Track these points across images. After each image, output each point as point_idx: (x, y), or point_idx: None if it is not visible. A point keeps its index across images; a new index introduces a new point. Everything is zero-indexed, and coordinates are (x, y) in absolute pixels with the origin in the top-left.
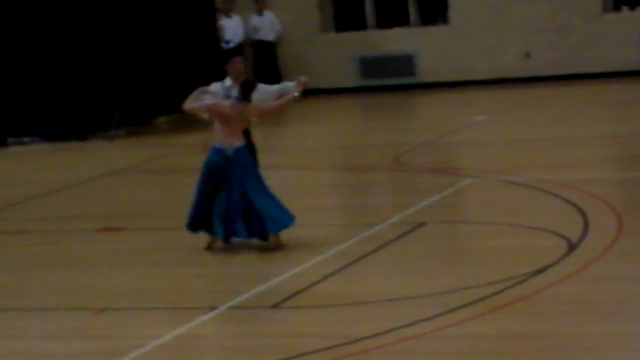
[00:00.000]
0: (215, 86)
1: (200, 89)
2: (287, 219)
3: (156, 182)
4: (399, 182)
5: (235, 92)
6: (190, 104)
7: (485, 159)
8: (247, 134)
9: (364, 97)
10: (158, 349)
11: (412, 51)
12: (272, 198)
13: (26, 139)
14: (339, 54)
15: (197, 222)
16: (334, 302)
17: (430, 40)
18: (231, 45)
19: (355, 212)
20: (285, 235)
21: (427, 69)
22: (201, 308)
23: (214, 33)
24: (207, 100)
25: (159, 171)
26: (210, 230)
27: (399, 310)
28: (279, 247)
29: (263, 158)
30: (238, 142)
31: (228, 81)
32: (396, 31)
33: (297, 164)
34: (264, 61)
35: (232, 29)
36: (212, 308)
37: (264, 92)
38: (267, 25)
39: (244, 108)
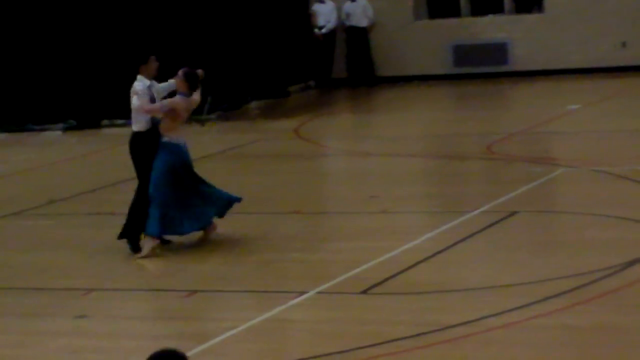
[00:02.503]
0: (140, 86)
1: (139, 89)
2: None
3: (247, 167)
4: (491, 171)
5: (154, 90)
6: (148, 105)
7: (578, 149)
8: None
9: (457, 85)
10: (247, 332)
11: (506, 39)
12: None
13: (120, 121)
14: (432, 41)
15: (169, 224)
16: (424, 289)
17: (525, 28)
18: (324, 31)
19: (446, 200)
20: (375, 222)
21: (521, 57)
22: (290, 292)
23: (307, 19)
24: (138, 100)
25: (250, 156)
26: (178, 231)
27: (488, 299)
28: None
29: (355, 145)
30: (184, 138)
31: (144, 80)
32: (490, 19)
33: (389, 151)
34: (356, 47)
35: (325, 15)
36: (302, 293)
37: (161, 88)
38: (359, 12)
39: (189, 103)
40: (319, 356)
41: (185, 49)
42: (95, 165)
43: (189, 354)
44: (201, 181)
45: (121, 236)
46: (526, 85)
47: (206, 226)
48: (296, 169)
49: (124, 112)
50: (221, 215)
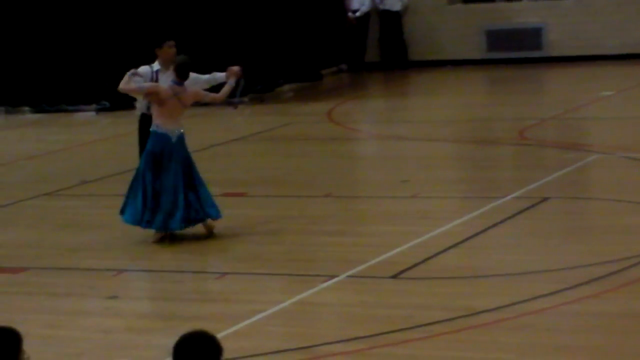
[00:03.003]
0: (144, 69)
1: (132, 70)
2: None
3: (279, 150)
4: (523, 156)
5: (164, 77)
6: (126, 84)
7: (611, 136)
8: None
9: (490, 69)
10: (278, 315)
11: (541, 24)
12: (207, 189)
13: None
14: (466, 26)
15: (148, 215)
16: (454, 274)
17: (559, 13)
18: (358, 14)
19: (478, 185)
20: (407, 206)
21: (555, 42)
22: (321, 276)
23: (341, 2)
24: (137, 82)
25: (282, 139)
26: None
27: (519, 285)
28: (211, 234)
29: (387, 129)
30: (180, 128)
31: (156, 65)
32: (525, 4)
33: (421, 135)
34: (389, 31)
35: None
36: (332, 276)
37: (193, 79)
38: None
39: (182, 92)
40: (349, 340)
41: (219, 33)
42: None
43: (218, 335)
44: (184, 183)
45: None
46: (560, 70)
47: (168, 231)
48: (328, 152)
49: None
50: (180, 228)
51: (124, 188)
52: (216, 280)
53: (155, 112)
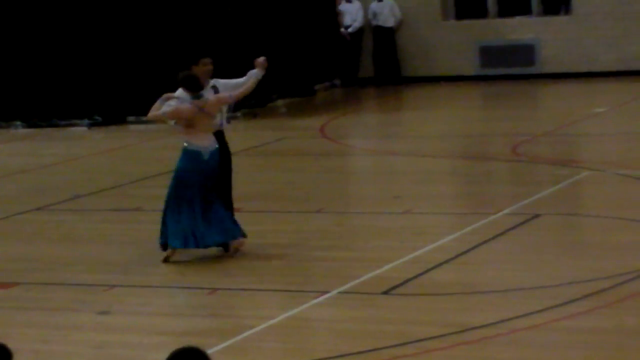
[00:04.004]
0: (180, 91)
1: (165, 95)
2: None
3: (272, 165)
4: (516, 172)
5: (206, 93)
6: (153, 111)
7: (604, 152)
8: (221, 137)
9: (483, 85)
10: (269, 331)
11: (534, 41)
12: (230, 209)
13: (145, 118)
14: (459, 42)
15: (187, 234)
16: (447, 290)
17: (553, 29)
18: (351, 30)
19: (470, 200)
20: (399, 222)
21: (548, 59)
22: (313, 292)
23: (334, 18)
24: (171, 105)
25: (275, 154)
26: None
27: (512, 301)
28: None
29: (380, 144)
30: (213, 145)
31: None
32: (518, 20)
33: (414, 150)
34: (383, 47)
35: (351, 14)
36: (324, 292)
37: (223, 85)
38: (386, 11)
39: (204, 104)
40: (341, 356)
41: (212, 47)
42: (121, 161)
43: (210, 351)
44: (214, 200)
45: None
46: (553, 86)
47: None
48: (321, 167)
49: (149, 108)
50: (208, 246)
51: (117, 202)
52: (208, 295)
53: (186, 131)
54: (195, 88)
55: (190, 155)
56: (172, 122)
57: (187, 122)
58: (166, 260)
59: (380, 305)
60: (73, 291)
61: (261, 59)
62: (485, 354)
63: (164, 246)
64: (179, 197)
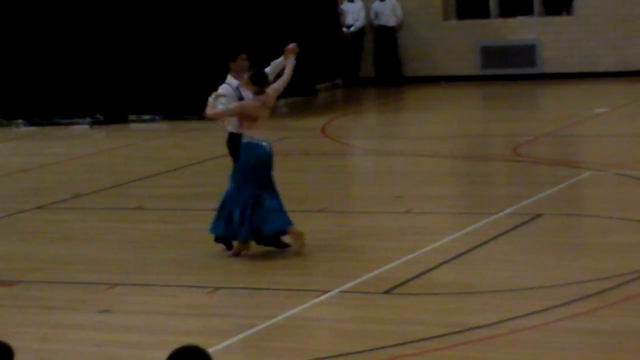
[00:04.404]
0: (225, 88)
1: (215, 93)
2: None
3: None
4: (517, 172)
5: (244, 91)
6: (213, 109)
7: (605, 153)
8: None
9: (484, 86)
10: (269, 330)
11: (535, 41)
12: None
13: (147, 117)
14: (461, 42)
15: (254, 227)
16: (447, 290)
17: (554, 30)
18: (352, 30)
19: (471, 201)
20: (400, 222)
21: (549, 59)
22: (314, 291)
23: (336, 17)
24: (222, 104)
25: (277, 153)
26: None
27: (512, 302)
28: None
29: (381, 144)
30: (268, 139)
31: (232, 80)
32: (519, 20)
33: (415, 151)
34: (384, 47)
35: (353, 13)
36: (325, 291)
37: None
38: (388, 11)
39: (266, 99)
40: (341, 355)
41: (213, 45)
42: (122, 159)
43: (211, 350)
44: (271, 193)
45: (218, 239)
46: (554, 87)
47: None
48: (322, 167)
49: (150, 107)
50: (258, 242)
51: (117, 201)
52: (209, 294)
53: (247, 125)
54: (263, 84)
55: (254, 149)
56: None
57: (252, 118)
58: (237, 254)
59: (380, 305)
60: (73, 290)
61: (292, 46)
62: (485, 355)
63: (223, 239)
64: (245, 191)
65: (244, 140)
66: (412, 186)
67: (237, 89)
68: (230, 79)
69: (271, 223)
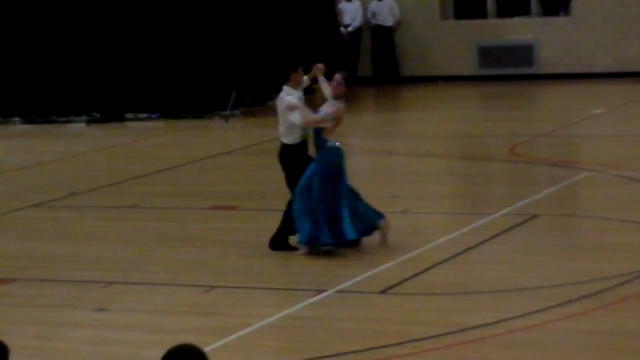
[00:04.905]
0: (295, 98)
1: (288, 104)
2: None
3: (270, 164)
4: (514, 172)
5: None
6: (313, 116)
7: (602, 153)
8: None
9: (482, 86)
10: (265, 329)
11: (532, 41)
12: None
13: (144, 115)
14: (458, 42)
15: (334, 230)
16: (443, 290)
17: (551, 30)
18: (349, 29)
19: (468, 201)
20: (397, 221)
21: (547, 59)
22: (309, 290)
23: (333, 17)
24: (316, 113)
25: (274, 152)
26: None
27: (509, 302)
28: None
29: (378, 143)
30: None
31: (291, 90)
32: (517, 21)
33: (412, 150)
34: (381, 46)
35: (351, 13)
36: (321, 291)
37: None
38: (386, 11)
39: (342, 105)
40: (338, 354)
41: (211, 44)
42: (119, 158)
43: (207, 349)
44: (351, 192)
45: (274, 247)
46: (551, 87)
47: (341, 244)
48: None
49: (147, 105)
50: (357, 240)
51: (114, 200)
52: (205, 293)
53: (331, 131)
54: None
55: (334, 152)
56: (329, 124)
57: (338, 122)
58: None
59: (376, 304)
60: (70, 288)
61: (321, 65)
62: (481, 355)
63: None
64: (325, 193)
65: (329, 144)
66: (409, 186)
67: (300, 99)
68: (289, 89)
69: (332, 235)
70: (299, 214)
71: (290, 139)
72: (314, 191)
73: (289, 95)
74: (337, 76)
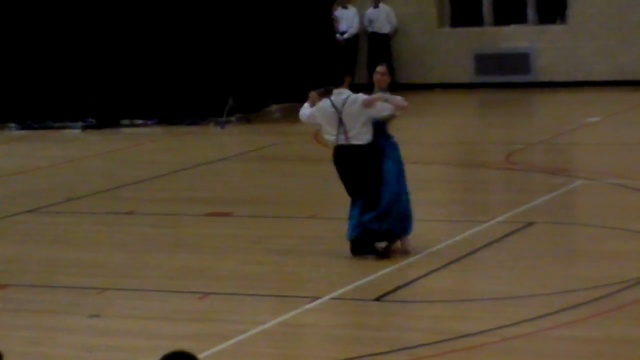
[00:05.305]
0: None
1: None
2: None
3: (266, 170)
4: (510, 180)
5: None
6: (398, 102)
7: (598, 161)
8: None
9: (478, 93)
10: (260, 336)
11: (529, 49)
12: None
13: (139, 121)
14: (455, 49)
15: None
16: (439, 297)
17: (548, 38)
18: (346, 36)
19: (464, 208)
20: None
21: (543, 67)
22: (304, 297)
23: (330, 23)
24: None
25: (269, 159)
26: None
27: (504, 309)
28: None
29: None
30: None
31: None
32: (513, 28)
33: (408, 157)
34: (378, 53)
35: (347, 20)
36: (316, 297)
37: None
38: (382, 18)
39: None
40: None
41: (207, 51)
42: (115, 163)
43: (201, 355)
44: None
45: (357, 251)
46: (548, 95)
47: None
48: (315, 173)
49: (143, 111)
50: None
51: (110, 205)
52: (200, 299)
53: (389, 125)
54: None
55: (397, 146)
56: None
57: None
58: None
59: (372, 311)
60: (64, 294)
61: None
62: None
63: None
64: (403, 187)
65: (394, 139)
66: None
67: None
68: (341, 91)
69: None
70: (408, 209)
71: (364, 138)
72: (403, 185)
73: (354, 94)
74: (380, 67)
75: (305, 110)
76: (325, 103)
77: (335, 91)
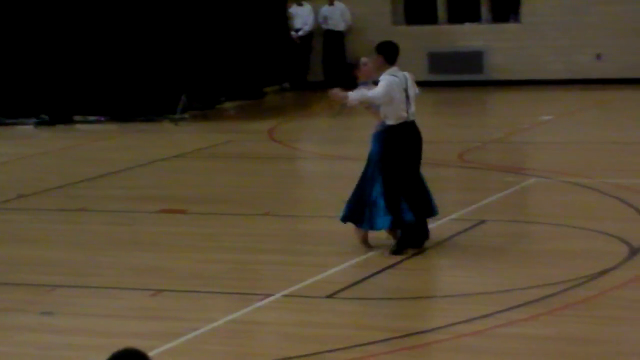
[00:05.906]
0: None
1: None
2: None
3: (220, 167)
4: (463, 178)
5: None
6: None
7: (551, 160)
8: None
9: (432, 92)
10: (212, 333)
11: (482, 48)
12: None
13: (92, 118)
14: (409, 48)
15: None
16: (391, 295)
17: (501, 37)
18: (300, 33)
19: None
20: (346, 226)
21: (497, 66)
22: (258, 294)
23: (284, 21)
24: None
25: (224, 156)
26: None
27: (456, 307)
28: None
29: (329, 148)
30: None
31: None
32: (467, 27)
33: (363, 154)
34: (332, 51)
35: (302, 17)
36: (268, 295)
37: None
38: (337, 15)
39: None
40: (285, 359)
41: (160, 47)
42: (68, 160)
43: (151, 353)
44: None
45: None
46: (501, 94)
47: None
48: (268, 170)
49: (96, 108)
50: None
51: (62, 202)
52: (152, 297)
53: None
54: None
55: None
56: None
57: None
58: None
59: (324, 309)
60: (16, 291)
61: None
62: (429, 359)
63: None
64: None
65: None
66: None
67: None
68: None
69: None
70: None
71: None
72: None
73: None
74: (363, 59)
75: (355, 94)
76: (394, 79)
77: (390, 71)
